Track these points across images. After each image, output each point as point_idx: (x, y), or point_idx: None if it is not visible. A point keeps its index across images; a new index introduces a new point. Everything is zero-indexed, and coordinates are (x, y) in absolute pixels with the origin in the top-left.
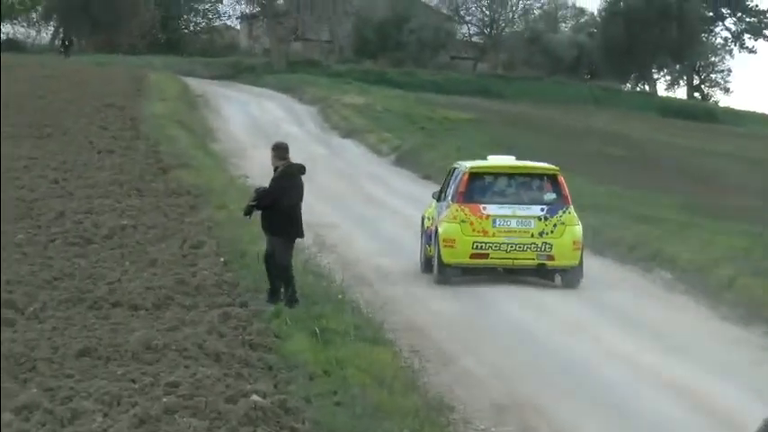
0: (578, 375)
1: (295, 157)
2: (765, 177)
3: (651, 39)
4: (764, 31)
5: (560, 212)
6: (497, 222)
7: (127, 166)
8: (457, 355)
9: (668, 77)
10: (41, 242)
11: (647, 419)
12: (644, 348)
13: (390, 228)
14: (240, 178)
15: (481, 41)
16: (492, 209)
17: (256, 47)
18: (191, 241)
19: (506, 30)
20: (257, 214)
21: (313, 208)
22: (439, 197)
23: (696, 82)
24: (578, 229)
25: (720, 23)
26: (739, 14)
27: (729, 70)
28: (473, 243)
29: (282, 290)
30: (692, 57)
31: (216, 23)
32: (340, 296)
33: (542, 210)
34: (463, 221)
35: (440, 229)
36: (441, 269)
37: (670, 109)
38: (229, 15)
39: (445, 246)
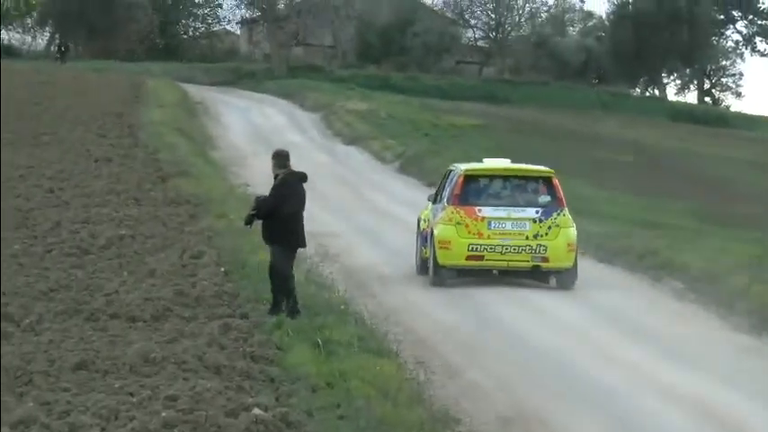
0: (585, 387)
1: (298, 165)
2: None
3: (661, 42)
4: None
5: (555, 215)
6: (492, 224)
7: (125, 175)
8: (463, 368)
9: (678, 82)
10: (37, 253)
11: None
12: (653, 358)
13: (394, 236)
14: (240, 187)
15: (487, 46)
16: (487, 211)
17: (257, 52)
18: (190, 251)
19: (512, 34)
20: (258, 223)
21: (315, 217)
22: (434, 199)
23: (707, 86)
24: (573, 231)
25: (731, 26)
26: (750, 17)
27: (741, 74)
28: (468, 245)
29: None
30: (703, 60)
31: (215, 28)
32: (343, 307)
33: (537, 212)
34: (459, 223)
35: (435, 231)
36: (436, 271)
37: (680, 114)
38: (229, 20)
39: (441, 247)
